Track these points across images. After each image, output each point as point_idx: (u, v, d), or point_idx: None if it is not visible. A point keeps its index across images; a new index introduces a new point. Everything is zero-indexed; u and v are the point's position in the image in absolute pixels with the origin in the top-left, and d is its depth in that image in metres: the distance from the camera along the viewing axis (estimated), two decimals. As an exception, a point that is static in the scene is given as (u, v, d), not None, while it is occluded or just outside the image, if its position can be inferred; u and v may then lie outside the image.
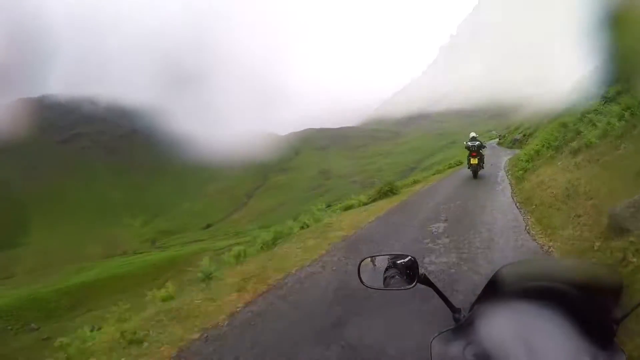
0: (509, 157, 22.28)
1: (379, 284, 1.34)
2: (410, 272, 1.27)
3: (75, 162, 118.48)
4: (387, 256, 1.37)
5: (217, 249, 54.12)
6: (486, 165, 15.46)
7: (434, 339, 1.03)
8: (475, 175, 13.92)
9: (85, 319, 36.90)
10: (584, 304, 0.93)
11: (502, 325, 0.93)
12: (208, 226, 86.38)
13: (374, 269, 1.39)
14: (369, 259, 1.43)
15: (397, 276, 1.30)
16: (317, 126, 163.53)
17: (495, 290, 1.02)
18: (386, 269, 1.34)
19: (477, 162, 13.66)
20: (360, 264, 1.43)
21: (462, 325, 1.04)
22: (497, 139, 49.70)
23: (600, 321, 0.93)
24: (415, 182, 19.49)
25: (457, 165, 27.00)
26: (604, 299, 0.96)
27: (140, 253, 66.86)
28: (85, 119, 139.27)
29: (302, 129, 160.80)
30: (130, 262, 52.07)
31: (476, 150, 13.68)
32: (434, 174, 25.18)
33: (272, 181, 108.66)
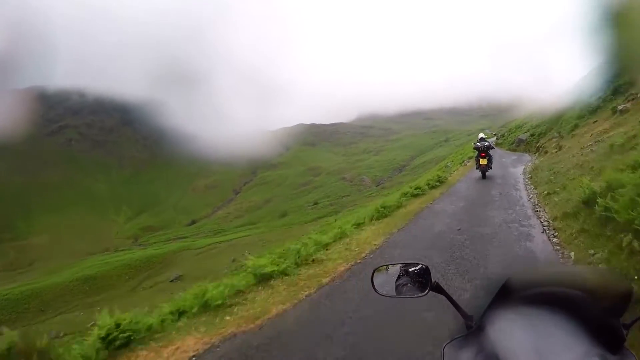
0: (521, 167, 15.70)
1: (392, 292, 1.34)
2: (422, 280, 1.28)
3: (61, 155, 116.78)
4: (400, 264, 1.38)
5: (197, 248, 53.57)
6: (492, 188, 11.72)
7: (446, 345, 1.06)
8: (483, 175, 13.97)
9: (53, 323, 36.29)
10: (593, 310, 0.94)
11: (513, 331, 0.95)
12: (193, 222, 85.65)
13: (387, 278, 1.40)
14: (382, 267, 1.45)
15: (409, 284, 1.31)
16: (314, 122, 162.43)
17: (505, 297, 1.03)
18: (399, 277, 1.35)
19: (486, 163, 13.91)
20: (373, 273, 1.45)
21: (474, 332, 1.05)
22: (495, 139, 41.89)
23: (609, 326, 0.94)
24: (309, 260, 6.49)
25: (434, 187, 13.92)
26: (613, 304, 0.96)
27: (122, 250, 66.11)
28: (74, 111, 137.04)
29: (293, 124, 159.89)
30: (106, 261, 51.33)
31: (485, 151, 13.91)
32: (376, 218, 9.99)
33: (260, 177, 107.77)
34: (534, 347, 0.88)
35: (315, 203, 74.96)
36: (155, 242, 72.19)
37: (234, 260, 42.99)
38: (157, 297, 38.10)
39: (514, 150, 24.94)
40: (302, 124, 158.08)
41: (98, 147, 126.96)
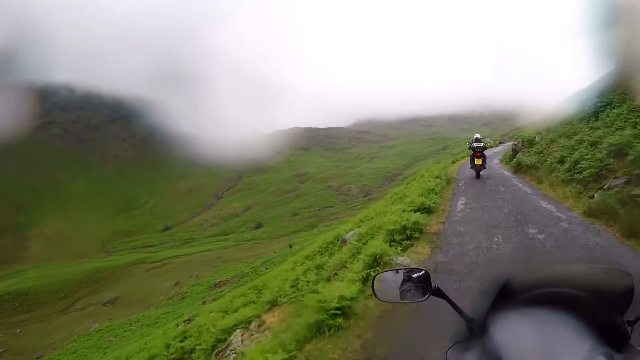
0: None
1: (395, 297, 1.35)
2: (423, 285, 1.30)
3: (43, 151, 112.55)
4: (402, 270, 1.38)
5: (152, 262, 48.80)
6: None
7: (449, 349, 1.05)
8: (478, 175, 14.00)
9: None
10: (597, 308, 0.94)
11: (516, 333, 0.95)
12: (166, 229, 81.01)
13: (389, 283, 1.40)
14: (384, 273, 1.46)
15: (412, 289, 1.31)
16: (311, 125, 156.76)
17: (506, 298, 1.03)
18: (402, 283, 1.34)
19: (481, 163, 14.08)
20: (374, 279, 1.46)
21: (476, 334, 1.04)
22: (501, 147, 27.73)
23: (613, 324, 0.93)
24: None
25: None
26: (616, 302, 0.96)
27: (82, 258, 61.55)
28: (60, 107, 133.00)
29: (289, 127, 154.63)
30: (46, 274, 46.68)
31: (480, 152, 14.14)
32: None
33: (245, 182, 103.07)
34: (539, 347, 0.87)
35: (294, 214, 70.09)
36: (120, 250, 67.80)
37: (176, 284, 38.44)
38: (83, 323, 33.15)
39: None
40: (298, 128, 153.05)
41: (82, 145, 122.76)
